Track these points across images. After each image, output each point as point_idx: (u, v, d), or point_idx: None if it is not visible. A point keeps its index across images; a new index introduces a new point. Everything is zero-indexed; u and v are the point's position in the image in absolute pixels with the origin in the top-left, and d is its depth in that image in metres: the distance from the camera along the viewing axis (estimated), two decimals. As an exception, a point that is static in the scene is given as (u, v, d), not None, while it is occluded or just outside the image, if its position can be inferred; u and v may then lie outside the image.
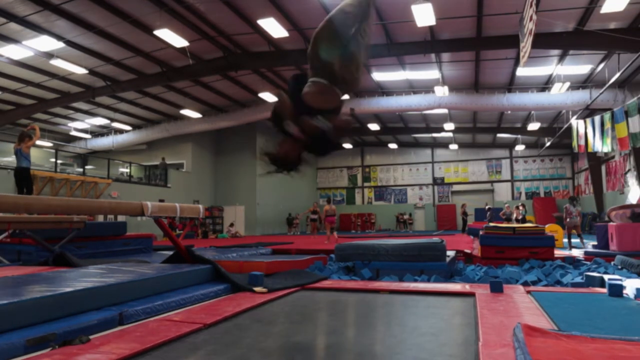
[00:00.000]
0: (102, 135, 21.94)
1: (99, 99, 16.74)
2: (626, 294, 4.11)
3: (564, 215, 10.63)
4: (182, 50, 12.71)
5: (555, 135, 19.20)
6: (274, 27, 11.16)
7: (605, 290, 4.32)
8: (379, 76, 15.95)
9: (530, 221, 17.58)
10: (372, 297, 4.60)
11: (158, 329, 3.11)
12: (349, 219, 28.97)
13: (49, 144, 20.50)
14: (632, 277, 5.60)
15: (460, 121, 21.96)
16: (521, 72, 14.77)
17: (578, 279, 5.39)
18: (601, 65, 13.71)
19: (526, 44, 8.41)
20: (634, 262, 6.38)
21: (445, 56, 14.19)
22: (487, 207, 20.44)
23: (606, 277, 4.88)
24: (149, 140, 21.73)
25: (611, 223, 8.62)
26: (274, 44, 13.04)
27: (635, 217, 8.82)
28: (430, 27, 11.69)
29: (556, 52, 13.21)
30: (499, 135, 24.90)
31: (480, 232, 8.35)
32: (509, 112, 18.39)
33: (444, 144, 27.79)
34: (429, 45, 12.63)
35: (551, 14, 10.55)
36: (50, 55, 12.63)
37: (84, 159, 18.66)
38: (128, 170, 19.97)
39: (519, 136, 24.03)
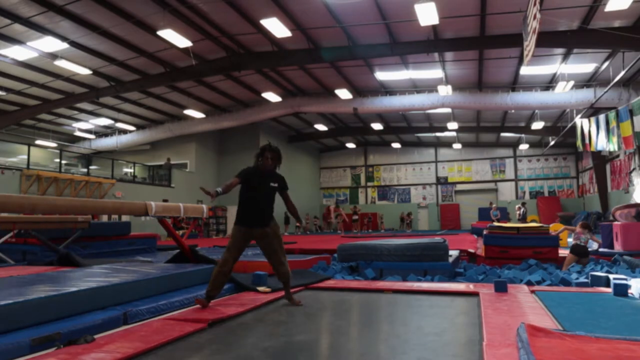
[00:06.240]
0: (106, 135, 22.00)
1: (103, 100, 16.77)
2: (631, 293, 4.09)
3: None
4: (185, 50, 12.72)
5: (560, 134, 19.10)
6: (277, 27, 11.16)
7: (610, 289, 4.30)
8: (382, 76, 15.93)
9: (534, 220, 17.50)
10: (376, 297, 4.60)
11: (162, 329, 3.12)
12: (351, 218, 28.86)
13: (54, 145, 20.59)
14: (637, 276, 5.57)
15: (464, 120, 21.90)
16: (525, 70, 14.70)
17: (583, 279, 5.37)
18: (605, 64, 13.64)
19: (530, 43, 8.36)
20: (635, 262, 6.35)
21: (449, 55, 14.15)
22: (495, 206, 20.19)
23: (611, 276, 4.86)
24: (153, 141, 21.77)
25: (616, 222, 8.57)
26: (277, 43, 13.04)
27: (640, 216, 8.76)
28: (434, 26, 11.65)
29: (560, 50, 13.13)
30: (502, 134, 24.80)
31: (484, 232, 8.32)
32: (513, 111, 18.31)
33: (448, 144, 27.71)
34: (432, 44, 12.59)
35: (555, 13, 10.50)
36: (54, 56, 12.67)
37: (88, 159, 18.73)
38: (132, 170, 20.03)
39: (523, 135, 23.93)
